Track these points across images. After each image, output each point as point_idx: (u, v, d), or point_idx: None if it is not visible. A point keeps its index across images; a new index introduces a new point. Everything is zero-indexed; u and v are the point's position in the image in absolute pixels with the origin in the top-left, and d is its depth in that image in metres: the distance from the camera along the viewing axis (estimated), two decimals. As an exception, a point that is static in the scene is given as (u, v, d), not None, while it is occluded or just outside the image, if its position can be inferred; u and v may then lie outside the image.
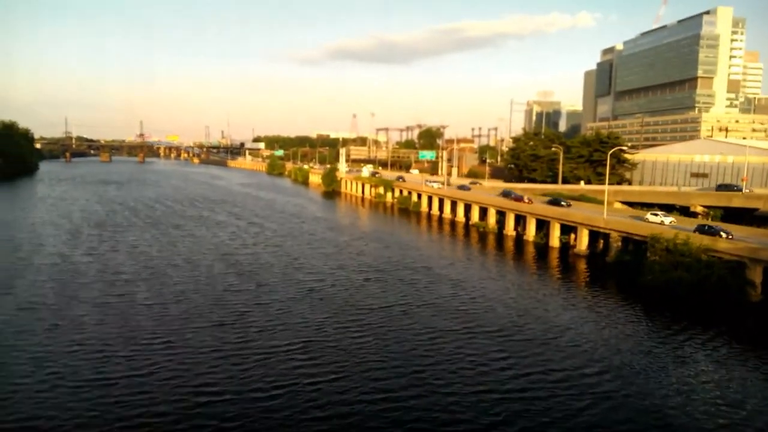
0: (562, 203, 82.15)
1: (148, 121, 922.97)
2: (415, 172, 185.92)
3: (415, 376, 30.83)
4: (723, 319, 43.53)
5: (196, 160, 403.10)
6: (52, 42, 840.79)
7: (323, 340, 36.35)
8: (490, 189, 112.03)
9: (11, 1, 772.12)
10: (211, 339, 35.97)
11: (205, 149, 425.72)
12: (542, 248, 74.00)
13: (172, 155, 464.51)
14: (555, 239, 74.46)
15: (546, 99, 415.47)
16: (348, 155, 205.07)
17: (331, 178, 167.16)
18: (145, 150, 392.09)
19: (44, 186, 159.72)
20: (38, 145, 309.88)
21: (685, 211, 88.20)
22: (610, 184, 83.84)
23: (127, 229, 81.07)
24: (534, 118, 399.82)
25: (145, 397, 27.48)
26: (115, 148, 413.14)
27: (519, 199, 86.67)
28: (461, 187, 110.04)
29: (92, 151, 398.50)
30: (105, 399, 27.17)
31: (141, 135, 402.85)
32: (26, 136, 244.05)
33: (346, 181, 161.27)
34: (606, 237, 66.57)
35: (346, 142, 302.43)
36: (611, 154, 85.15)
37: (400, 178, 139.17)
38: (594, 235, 68.87)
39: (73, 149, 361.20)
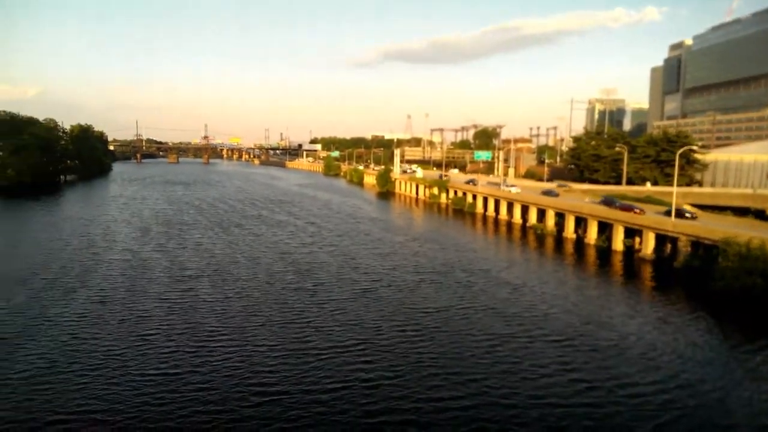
0: (687, 215, 69.18)
1: (212, 124, 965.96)
2: (455, 171, 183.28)
3: (472, 384, 30.04)
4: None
5: (256, 162, 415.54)
6: (126, 50, 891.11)
7: (379, 341, 36.23)
8: (580, 194, 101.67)
9: (83, 9, 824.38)
10: (270, 337, 36.65)
11: (264, 151, 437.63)
12: (604, 252, 70.95)
13: (234, 156, 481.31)
14: (618, 243, 71.17)
15: (609, 97, 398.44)
16: (402, 156, 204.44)
17: (385, 178, 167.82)
18: (209, 152, 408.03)
19: (117, 186, 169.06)
20: (111, 147, 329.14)
21: (760, 215, 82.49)
22: (678, 185, 79.23)
23: (192, 227, 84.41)
24: (596, 116, 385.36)
25: (206, 394, 28.23)
26: (181, 150, 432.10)
27: (627, 208, 74.34)
28: (547, 192, 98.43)
29: (161, 153, 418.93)
30: (168, 394, 28.10)
31: (206, 137, 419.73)
32: (101, 139, 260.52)
33: (400, 182, 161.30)
34: (674, 241, 63.00)
35: (400, 143, 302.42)
36: (680, 154, 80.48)
37: (470, 181, 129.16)
38: (660, 239, 65.35)
39: (143, 151, 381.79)
